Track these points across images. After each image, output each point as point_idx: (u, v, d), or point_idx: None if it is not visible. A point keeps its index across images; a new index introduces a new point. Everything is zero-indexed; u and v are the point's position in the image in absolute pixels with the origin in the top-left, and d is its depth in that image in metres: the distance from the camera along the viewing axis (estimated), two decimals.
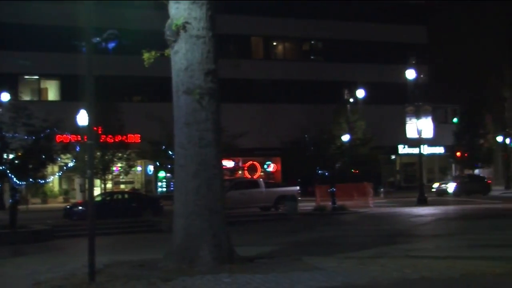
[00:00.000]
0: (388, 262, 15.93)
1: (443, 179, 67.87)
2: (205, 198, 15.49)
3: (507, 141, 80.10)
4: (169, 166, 40.40)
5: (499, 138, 79.36)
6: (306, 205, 44.79)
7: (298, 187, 45.92)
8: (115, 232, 30.39)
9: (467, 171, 72.60)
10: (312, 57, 72.23)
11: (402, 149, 72.17)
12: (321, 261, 16.26)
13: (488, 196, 57.76)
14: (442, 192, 60.65)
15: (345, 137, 51.90)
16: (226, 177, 47.53)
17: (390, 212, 40.93)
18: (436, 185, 63.36)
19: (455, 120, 75.05)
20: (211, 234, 15.40)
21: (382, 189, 62.24)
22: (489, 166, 79.45)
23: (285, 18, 66.52)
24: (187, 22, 15.61)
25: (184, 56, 15.72)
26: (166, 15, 16.14)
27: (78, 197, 54.90)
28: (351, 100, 58.04)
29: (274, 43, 70.92)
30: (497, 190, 71.00)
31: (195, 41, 15.69)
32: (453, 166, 79.12)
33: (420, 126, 50.48)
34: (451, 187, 60.77)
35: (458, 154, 69.92)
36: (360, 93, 57.87)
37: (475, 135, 70.47)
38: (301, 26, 67.32)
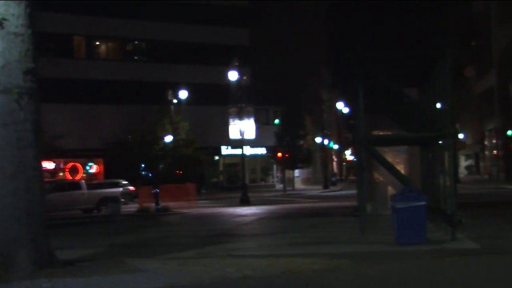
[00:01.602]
0: (211, 262, 16.08)
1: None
2: (24, 200, 15.01)
3: (325, 142, 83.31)
4: None
5: (318, 139, 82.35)
6: (130, 207, 44.36)
7: (121, 189, 45.45)
8: None
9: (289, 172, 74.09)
10: (135, 58, 71.81)
11: (226, 150, 73.16)
12: (144, 262, 16.17)
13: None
14: None
15: (168, 138, 51.99)
16: (47, 179, 46.26)
17: (214, 212, 41.38)
18: None
19: (276, 121, 76.82)
20: (29, 238, 14.93)
21: (204, 190, 62.79)
22: (308, 166, 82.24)
23: (108, 17, 65.66)
24: (4, 19, 15.05)
25: (1, 54, 15.16)
26: None
27: None
28: (175, 101, 58.30)
29: (97, 43, 69.86)
30: (316, 189, 73.69)
31: (13, 39, 15.17)
32: (275, 166, 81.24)
33: (242, 127, 51.38)
34: None
35: (279, 155, 71.56)
36: (183, 94, 58.18)
37: (295, 136, 72.55)
38: (125, 26, 66.73)
